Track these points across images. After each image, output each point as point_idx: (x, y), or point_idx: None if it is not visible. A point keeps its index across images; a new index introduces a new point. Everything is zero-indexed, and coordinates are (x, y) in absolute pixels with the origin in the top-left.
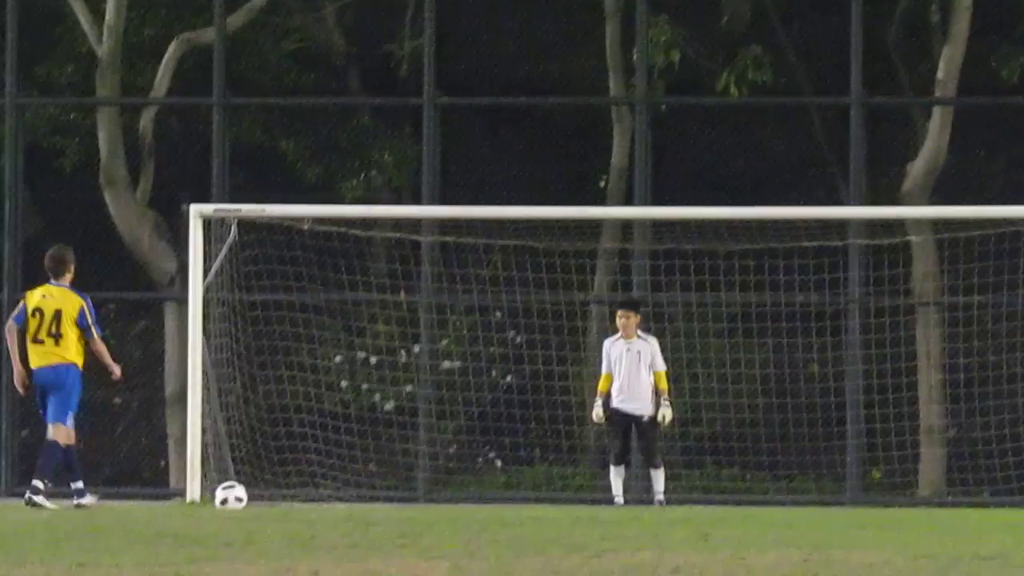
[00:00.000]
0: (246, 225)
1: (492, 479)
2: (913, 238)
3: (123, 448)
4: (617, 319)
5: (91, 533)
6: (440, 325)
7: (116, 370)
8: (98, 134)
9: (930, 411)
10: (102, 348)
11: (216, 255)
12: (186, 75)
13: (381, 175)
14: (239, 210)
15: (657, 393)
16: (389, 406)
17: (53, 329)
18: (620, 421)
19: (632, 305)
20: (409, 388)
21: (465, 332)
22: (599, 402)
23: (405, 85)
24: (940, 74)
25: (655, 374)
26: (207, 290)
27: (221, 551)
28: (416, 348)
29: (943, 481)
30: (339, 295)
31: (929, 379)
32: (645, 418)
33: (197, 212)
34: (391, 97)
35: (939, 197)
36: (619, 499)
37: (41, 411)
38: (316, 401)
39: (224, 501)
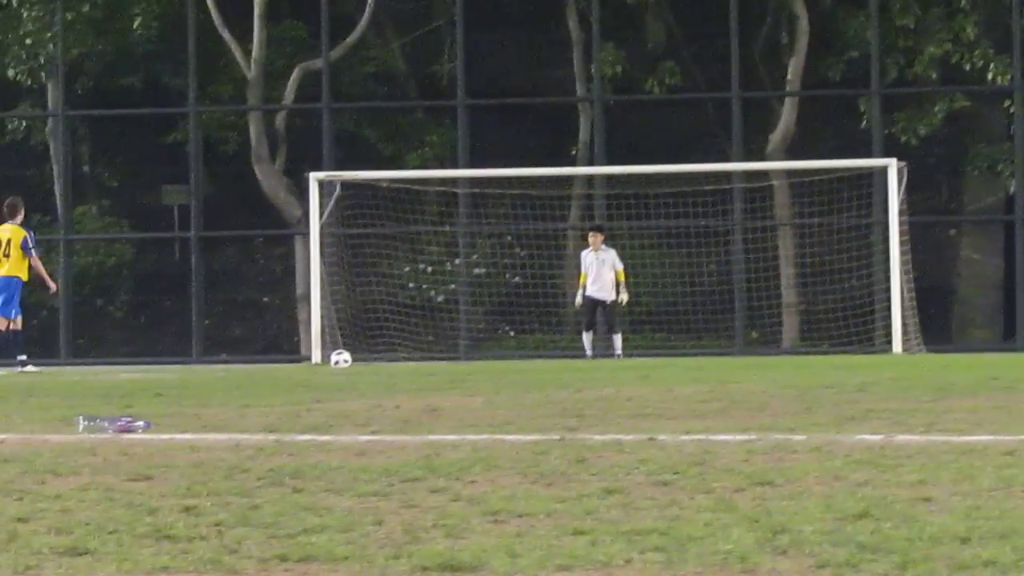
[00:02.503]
0: (346, 185)
1: (507, 344)
2: (774, 182)
3: (271, 329)
4: (589, 237)
5: (250, 385)
6: (472, 245)
7: (52, 285)
8: (250, 129)
9: (789, 293)
10: (38, 264)
11: (326, 205)
12: (304, 90)
13: (431, 151)
14: (341, 175)
15: (617, 284)
16: (440, 299)
17: (6, 252)
18: (590, 303)
19: (598, 228)
20: (453, 287)
21: (488, 250)
22: (580, 292)
23: (445, 92)
24: (789, 75)
25: (616, 271)
26: (321, 227)
27: (335, 394)
28: (457, 260)
29: (798, 338)
30: (406, 228)
31: (787, 272)
32: (608, 301)
33: (314, 177)
34: (437, 100)
35: (790, 155)
36: (589, 353)
37: None
38: (393, 296)
39: (336, 362)
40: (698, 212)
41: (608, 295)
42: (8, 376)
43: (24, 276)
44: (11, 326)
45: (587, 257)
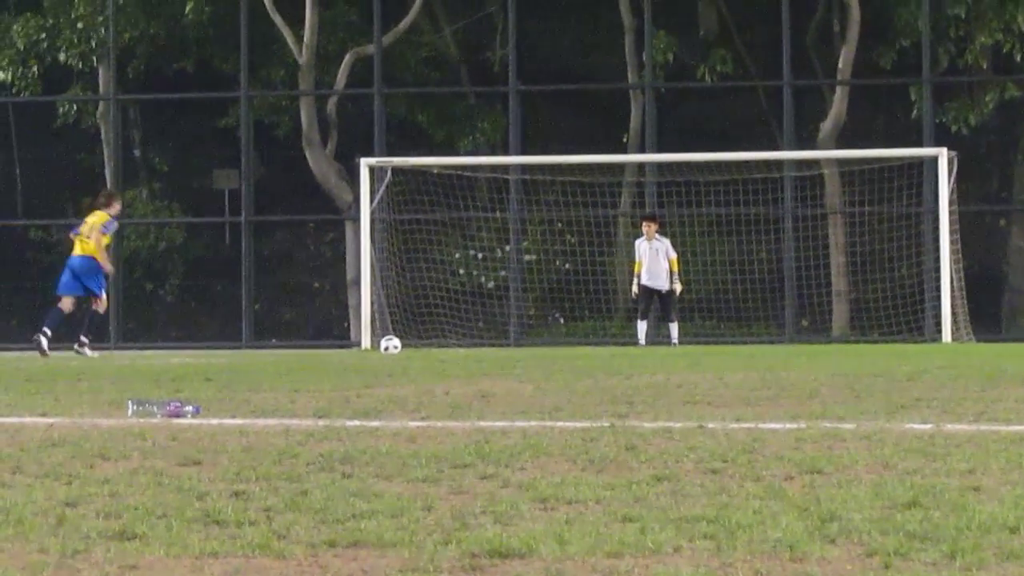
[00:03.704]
0: (397, 170)
1: (557, 330)
2: (825, 170)
3: (321, 315)
4: (643, 226)
5: (300, 370)
6: (522, 232)
7: (109, 268)
8: (301, 113)
9: (839, 281)
10: (99, 240)
11: (377, 190)
12: (356, 75)
13: (483, 136)
14: (392, 161)
15: (671, 274)
16: (491, 285)
17: (88, 235)
18: (646, 292)
19: (652, 217)
20: (503, 273)
21: (539, 236)
22: (635, 280)
23: (497, 78)
24: (840, 64)
25: (670, 260)
26: (372, 212)
27: (384, 379)
28: (507, 247)
29: (848, 326)
30: (457, 213)
31: (837, 261)
32: (663, 290)
33: (365, 163)
34: (489, 86)
35: (841, 144)
36: (642, 341)
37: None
38: (444, 282)
39: (386, 348)
40: (749, 200)
41: (663, 284)
42: (61, 359)
43: (100, 258)
44: (97, 305)
45: (641, 246)
